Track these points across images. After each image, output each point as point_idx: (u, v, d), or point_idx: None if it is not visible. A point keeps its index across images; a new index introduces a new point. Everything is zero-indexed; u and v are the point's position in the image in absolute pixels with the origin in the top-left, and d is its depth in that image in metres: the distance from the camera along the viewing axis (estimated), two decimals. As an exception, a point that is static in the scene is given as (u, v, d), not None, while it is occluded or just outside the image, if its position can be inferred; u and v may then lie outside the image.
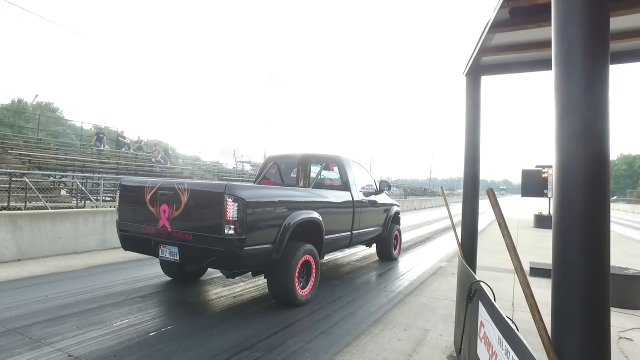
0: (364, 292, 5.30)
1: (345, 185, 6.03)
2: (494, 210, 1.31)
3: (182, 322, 3.91)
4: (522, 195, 17.21)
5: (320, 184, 6.19)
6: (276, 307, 4.48)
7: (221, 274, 5.77)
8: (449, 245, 10.18)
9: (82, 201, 10.63)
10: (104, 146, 17.60)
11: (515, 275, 5.89)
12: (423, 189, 46.69)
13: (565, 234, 1.15)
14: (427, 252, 9.01)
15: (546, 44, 2.60)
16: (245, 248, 3.75)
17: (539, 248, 10.09)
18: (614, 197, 62.68)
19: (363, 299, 4.97)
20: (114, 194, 12.29)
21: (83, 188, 10.53)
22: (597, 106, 1.15)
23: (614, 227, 18.81)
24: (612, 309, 5.05)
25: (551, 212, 16.11)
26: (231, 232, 3.68)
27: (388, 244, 7.48)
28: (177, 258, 4.11)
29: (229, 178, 18.89)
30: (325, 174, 6.37)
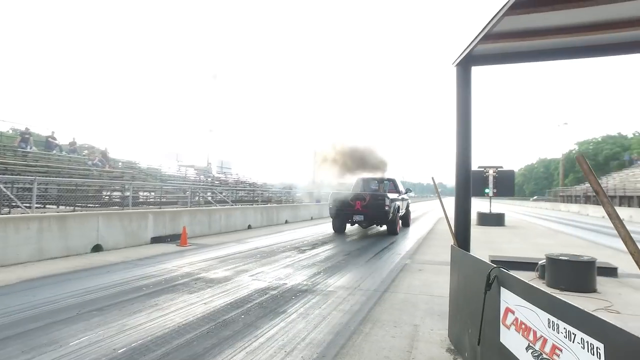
0: (339, 291, 5.14)
1: (397, 192, 13.86)
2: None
3: (151, 333, 3.45)
4: None
5: (386, 191, 13.25)
6: (241, 317, 4.16)
7: (192, 286, 5.36)
8: (406, 244, 10.40)
9: (8, 209, 9.28)
10: (30, 148, 15.68)
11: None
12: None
13: None
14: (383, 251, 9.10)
15: (552, 31, 2.65)
16: (390, 214, 11.68)
17: (489, 242, 10.68)
18: (535, 197, 68.75)
19: (339, 298, 4.80)
20: (48, 199, 10.88)
21: (8, 193, 9.18)
22: None
23: (542, 223, 20.63)
24: (570, 294, 5.26)
25: (492, 211, 17.17)
26: (386, 208, 11.51)
27: (405, 219, 14.83)
28: (362, 219, 11.80)
29: (172, 182, 17.91)
30: (388, 185, 14.28)
